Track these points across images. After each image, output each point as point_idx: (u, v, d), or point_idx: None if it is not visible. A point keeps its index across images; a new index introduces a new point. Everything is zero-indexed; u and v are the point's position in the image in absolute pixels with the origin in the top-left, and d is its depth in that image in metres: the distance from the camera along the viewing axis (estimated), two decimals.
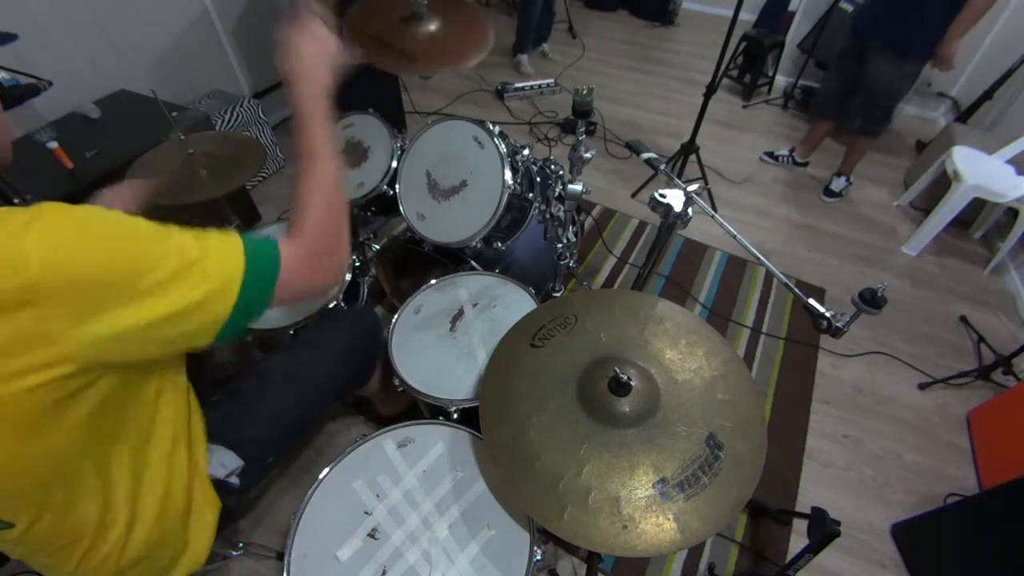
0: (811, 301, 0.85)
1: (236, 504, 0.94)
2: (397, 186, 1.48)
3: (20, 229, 0.51)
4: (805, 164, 2.73)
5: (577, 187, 1.25)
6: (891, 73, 2.10)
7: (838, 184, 2.54)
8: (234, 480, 0.91)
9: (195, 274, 0.58)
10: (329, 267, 0.72)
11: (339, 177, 0.74)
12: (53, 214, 0.53)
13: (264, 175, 2.52)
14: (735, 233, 0.97)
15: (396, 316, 1.29)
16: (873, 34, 2.13)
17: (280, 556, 1.07)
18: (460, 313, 1.29)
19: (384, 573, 0.84)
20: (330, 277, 0.72)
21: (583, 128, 1.18)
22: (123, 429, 0.69)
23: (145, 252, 0.56)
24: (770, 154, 2.79)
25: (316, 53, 0.76)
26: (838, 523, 0.98)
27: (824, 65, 3.09)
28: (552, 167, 1.49)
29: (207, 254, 0.59)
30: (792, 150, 2.73)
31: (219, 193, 1.30)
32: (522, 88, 3.20)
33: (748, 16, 3.20)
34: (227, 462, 0.90)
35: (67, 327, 0.53)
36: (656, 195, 1.04)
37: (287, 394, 1.02)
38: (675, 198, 1.03)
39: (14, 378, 0.53)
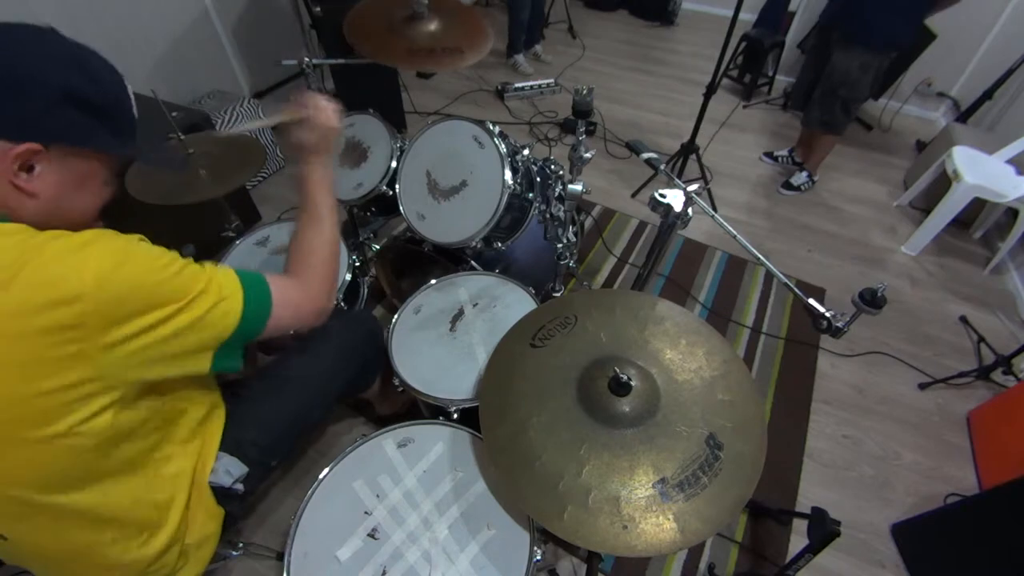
0: (811, 301, 0.85)
1: (239, 509, 0.94)
2: (397, 186, 1.48)
3: (79, 248, 0.58)
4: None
5: (577, 187, 1.25)
6: (848, 64, 2.11)
7: (798, 179, 2.56)
8: (239, 487, 0.90)
9: (209, 300, 0.66)
10: (318, 304, 0.82)
11: (337, 235, 0.89)
12: (109, 241, 0.60)
13: (264, 175, 2.52)
14: (735, 233, 0.97)
15: (396, 316, 1.29)
16: (834, 25, 2.14)
17: (280, 556, 1.07)
18: (460, 313, 1.29)
19: (384, 573, 0.84)
20: (319, 313, 0.83)
21: (583, 128, 1.18)
22: (120, 450, 0.69)
23: (174, 279, 0.64)
24: (769, 154, 2.79)
25: (325, 129, 0.91)
26: (838, 523, 0.98)
27: None
28: (552, 167, 1.49)
29: (218, 284, 0.68)
30: (792, 150, 2.73)
31: (219, 193, 1.29)
32: (522, 88, 3.20)
33: (748, 16, 3.19)
34: (232, 469, 0.90)
35: (100, 342, 0.58)
36: (656, 195, 1.04)
37: (289, 397, 1.02)
38: (675, 198, 1.03)
39: (43, 396, 0.57)
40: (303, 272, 0.82)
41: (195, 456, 0.85)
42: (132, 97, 0.72)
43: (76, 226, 0.63)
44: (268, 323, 0.73)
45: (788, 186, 2.58)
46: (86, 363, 0.58)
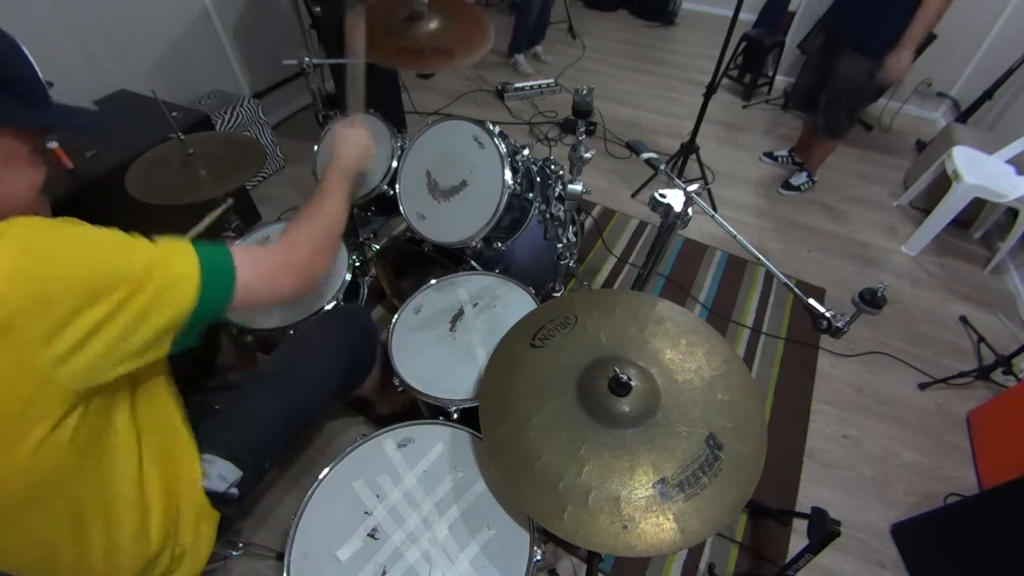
0: (811, 301, 0.85)
1: (235, 512, 0.94)
2: (397, 186, 1.48)
3: None
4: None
5: (577, 187, 1.25)
6: (855, 72, 2.10)
7: (798, 179, 2.57)
8: (233, 491, 0.90)
9: (157, 281, 0.60)
10: (301, 276, 0.79)
11: (336, 215, 0.90)
12: (21, 229, 0.54)
13: (264, 175, 2.52)
14: (735, 233, 0.97)
15: (396, 316, 1.29)
16: (841, 32, 2.13)
17: (280, 556, 1.07)
18: (460, 313, 1.29)
19: (384, 573, 0.84)
20: (299, 287, 0.79)
21: (583, 128, 1.18)
22: (91, 456, 0.67)
23: (112, 263, 0.58)
24: (769, 155, 2.79)
25: (358, 149, 1.06)
26: (838, 523, 0.98)
27: None
28: (552, 167, 1.49)
29: (167, 261, 0.62)
30: (791, 150, 2.73)
31: (219, 193, 1.30)
32: (522, 88, 3.20)
33: (748, 16, 3.20)
34: (226, 474, 0.89)
35: (41, 347, 0.53)
36: (656, 195, 1.04)
37: (283, 398, 1.00)
38: (675, 198, 1.03)
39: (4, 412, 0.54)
40: (290, 241, 0.80)
41: (166, 457, 0.82)
42: (30, 58, 0.63)
43: (15, 212, 0.59)
44: (233, 298, 0.68)
45: (788, 186, 2.58)
46: (32, 371, 0.53)
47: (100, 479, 0.70)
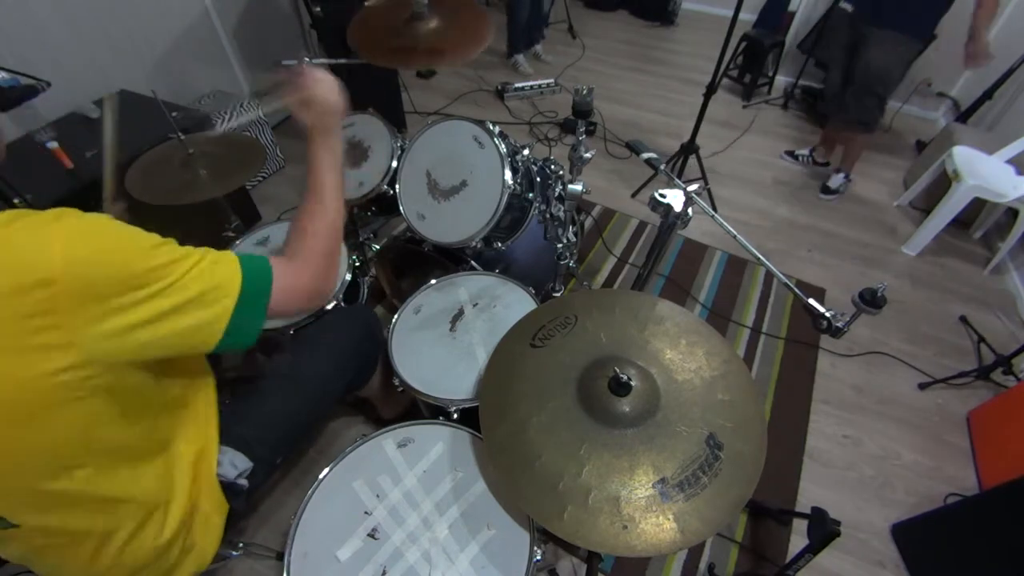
0: (811, 301, 0.85)
1: (243, 506, 0.94)
2: (397, 186, 1.48)
3: (44, 226, 0.55)
4: (826, 164, 2.71)
5: (577, 187, 1.25)
6: (886, 55, 2.09)
7: (835, 181, 2.54)
8: (243, 482, 0.91)
9: (197, 279, 0.63)
10: (320, 287, 0.80)
11: (339, 217, 0.84)
12: (72, 218, 0.57)
13: (264, 175, 2.52)
14: (735, 233, 0.97)
15: (396, 316, 1.29)
16: (870, 16, 2.12)
17: (280, 556, 1.07)
18: (460, 313, 1.29)
19: (384, 573, 0.84)
20: (320, 297, 0.80)
21: (583, 128, 1.18)
22: (129, 429, 0.69)
23: (154, 256, 0.61)
24: (790, 153, 2.79)
25: (323, 105, 0.85)
26: (838, 523, 0.98)
27: (824, 65, 3.09)
28: (552, 167, 1.49)
29: (210, 263, 0.65)
30: (812, 150, 2.72)
31: (219, 193, 1.30)
32: (522, 88, 3.19)
33: (748, 16, 3.20)
34: (238, 463, 0.90)
35: (82, 326, 0.56)
36: (656, 195, 1.04)
37: (290, 394, 1.02)
38: (675, 198, 1.03)
39: (30, 380, 0.56)
40: (299, 253, 0.78)
41: (195, 443, 0.85)
42: None
43: None
44: (269, 304, 0.70)
45: (826, 190, 2.54)
46: (72, 348, 0.56)
47: (132, 452, 0.72)
